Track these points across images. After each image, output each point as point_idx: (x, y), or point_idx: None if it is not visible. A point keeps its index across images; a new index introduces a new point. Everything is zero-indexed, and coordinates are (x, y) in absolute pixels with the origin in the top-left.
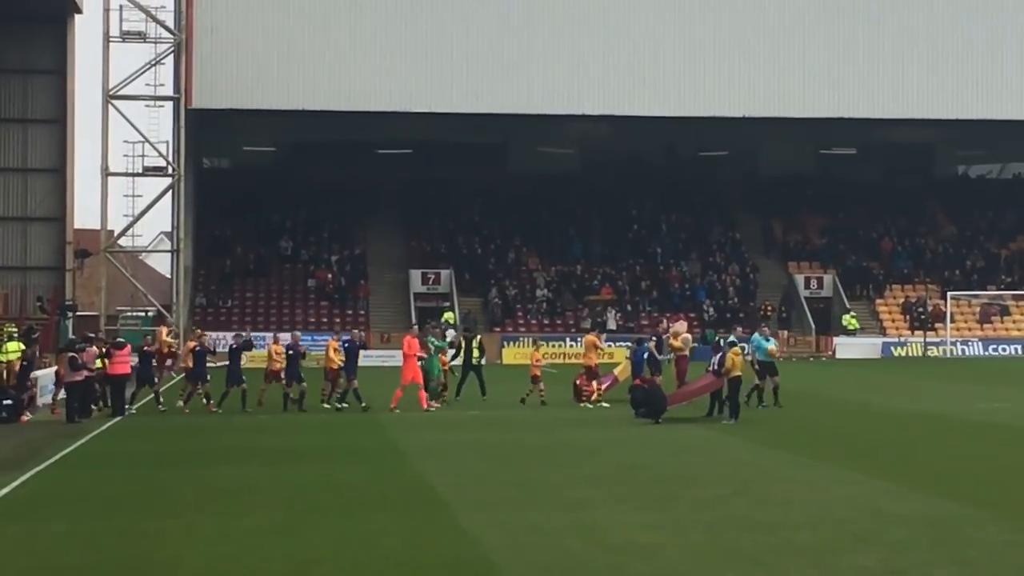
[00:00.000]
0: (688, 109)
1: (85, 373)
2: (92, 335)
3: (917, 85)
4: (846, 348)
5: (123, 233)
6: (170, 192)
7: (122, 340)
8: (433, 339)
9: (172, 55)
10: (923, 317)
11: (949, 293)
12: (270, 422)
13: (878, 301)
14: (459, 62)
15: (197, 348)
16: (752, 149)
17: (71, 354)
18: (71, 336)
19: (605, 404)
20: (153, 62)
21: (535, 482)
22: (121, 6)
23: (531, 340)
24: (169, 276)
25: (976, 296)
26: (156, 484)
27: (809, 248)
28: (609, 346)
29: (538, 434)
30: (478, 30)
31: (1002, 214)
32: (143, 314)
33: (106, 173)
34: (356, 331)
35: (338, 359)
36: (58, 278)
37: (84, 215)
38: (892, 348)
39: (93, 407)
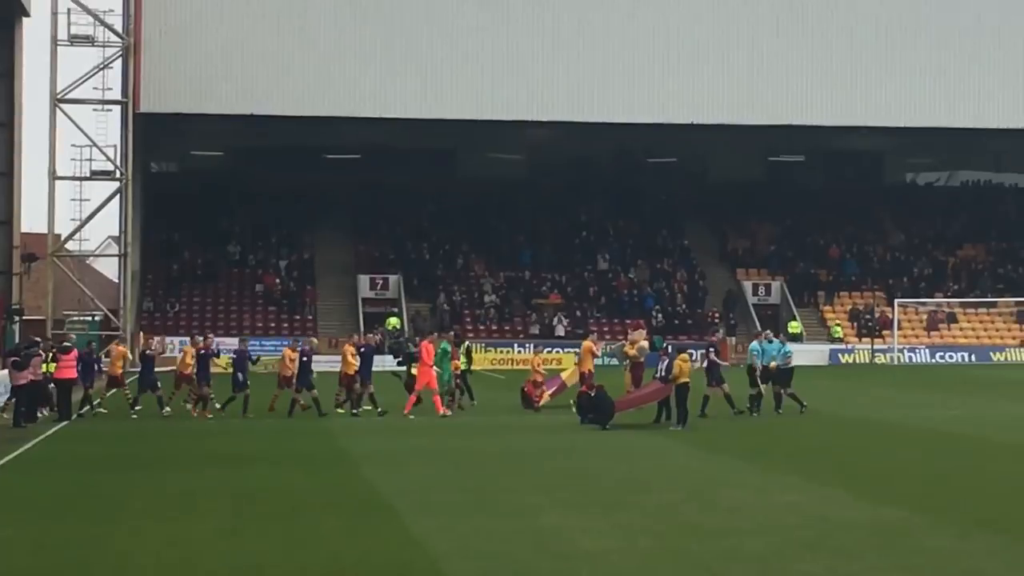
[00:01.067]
0: (637, 115)
1: (31, 376)
2: (38, 339)
3: (866, 93)
4: (793, 355)
5: (70, 237)
6: (118, 196)
7: (68, 344)
8: (446, 344)
9: (120, 59)
10: (870, 324)
11: (896, 300)
12: (219, 427)
13: (825, 308)
14: (408, 67)
15: (201, 352)
16: (701, 156)
17: (14, 358)
18: (16, 341)
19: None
20: (101, 66)
21: (483, 488)
22: (69, 9)
23: (532, 347)
24: (116, 280)
25: (923, 303)
26: (103, 489)
27: (757, 255)
28: (557, 352)
29: (487, 440)
30: (427, 35)
31: (950, 222)
32: (90, 318)
33: (53, 177)
34: (370, 335)
35: (355, 363)
36: (5, 282)
37: (31, 219)
38: (839, 355)
39: (43, 411)
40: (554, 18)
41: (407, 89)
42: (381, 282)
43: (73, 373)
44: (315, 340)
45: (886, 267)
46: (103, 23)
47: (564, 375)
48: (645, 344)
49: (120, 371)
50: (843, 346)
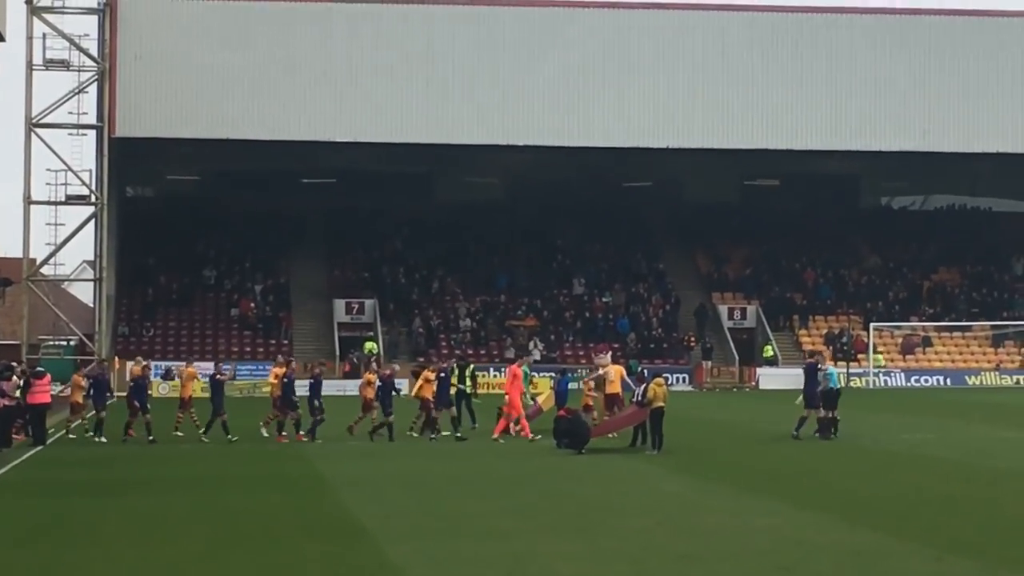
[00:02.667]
0: (612, 140)
1: (4, 402)
2: (14, 364)
3: (841, 117)
4: (769, 379)
5: (45, 262)
6: (93, 221)
7: (42, 369)
8: (526, 368)
9: (96, 83)
10: (846, 348)
11: (872, 324)
12: (195, 450)
13: (801, 332)
14: (384, 92)
15: (286, 377)
16: (676, 180)
17: None
18: None
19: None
20: (76, 90)
21: (459, 512)
22: (45, 34)
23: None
24: (92, 305)
25: (898, 327)
26: (77, 514)
27: (733, 279)
28: (534, 376)
29: (462, 464)
30: (403, 59)
31: (925, 246)
32: (65, 343)
33: (28, 201)
34: (393, 366)
35: (430, 389)
36: None
37: (6, 243)
38: None
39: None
40: (530, 43)
41: (383, 113)
42: (357, 306)
43: (47, 398)
44: (395, 366)
45: (861, 291)
46: (78, 48)
47: (540, 399)
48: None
49: (190, 394)
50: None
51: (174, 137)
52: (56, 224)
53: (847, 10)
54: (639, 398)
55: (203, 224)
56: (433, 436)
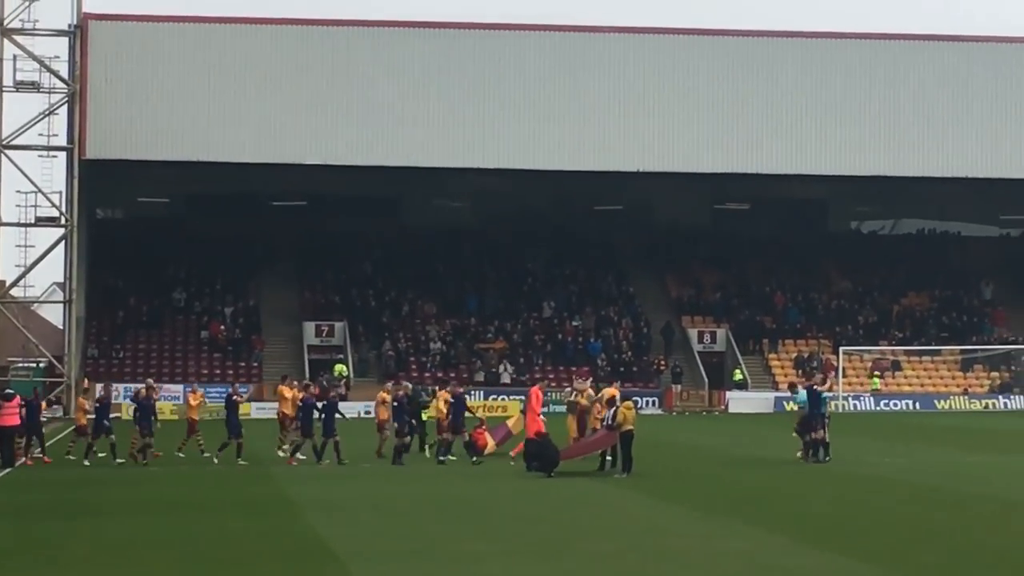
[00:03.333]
0: (582, 163)
1: None
2: None
3: (811, 141)
4: (739, 402)
5: (15, 283)
6: (63, 243)
7: (11, 392)
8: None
9: (66, 105)
10: (815, 372)
11: (841, 348)
12: (164, 473)
13: (771, 355)
14: (353, 114)
15: (304, 399)
16: (646, 203)
17: None
18: None
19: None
20: (47, 112)
21: (428, 535)
22: (15, 56)
23: (481, 394)
24: (61, 327)
25: (868, 351)
26: (46, 537)
27: (703, 302)
28: (503, 399)
29: (431, 487)
30: (372, 83)
31: (894, 270)
32: (35, 365)
33: None
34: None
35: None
36: None
37: None
38: (784, 402)
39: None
40: (498, 67)
41: (353, 137)
42: (327, 329)
43: (16, 420)
44: (407, 384)
45: (831, 315)
46: (49, 69)
47: (510, 422)
48: (592, 391)
49: (293, 413)
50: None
51: (144, 159)
52: (26, 246)
53: (818, 35)
54: (609, 421)
55: (173, 246)
56: (442, 459)
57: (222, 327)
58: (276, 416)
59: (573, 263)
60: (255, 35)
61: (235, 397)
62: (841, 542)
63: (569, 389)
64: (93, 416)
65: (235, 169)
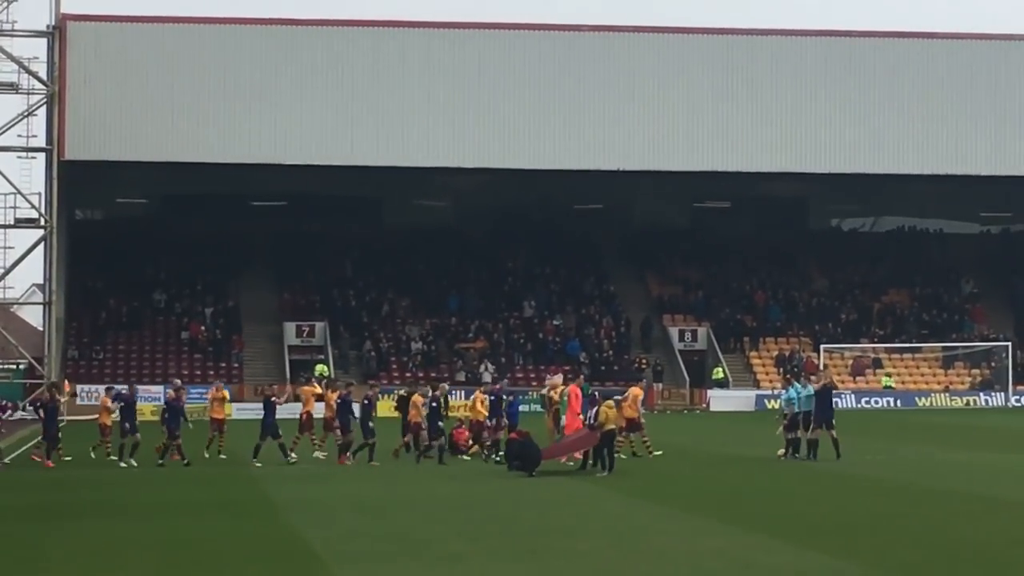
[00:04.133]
0: (562, 162)
1: None
2: None
3: (791, 139)
4: (720, 401)
5: None
6: (42, 244)
7: None
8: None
9: (45, 106)
10: (796, 370)
11: (822, 346)
12: (143, 475)
13: (752, 354)
14: (334, 114)
15: (340, 398)
16: (626, 202)
17: None
18: None
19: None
20: (25, 113)
21: (409, 536)
22: None
23: (463, 394)
24: (41, 328)
25: (848, 349)
26: (23, 540)
27: (683, 301)
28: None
29: (412, 487)
30: (353, 82)
31: (875, 267)
32: (15, 367)
33: None
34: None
35: (485, 411)
36: None
37: None
38: (765, 400)
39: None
40: (479, 66)
41: (333, 137)
42: (307, 329)
43: None
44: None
45: (812, 312)
46: (27, 70)
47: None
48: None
49: (333, 414)
50: (771, 391)
51: (124, 160)
52: (5, 247)
53: (797, 32)
54: (591, 421)
55: (153, 247)
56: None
57: (202, 328)
58: (300, 417)
59: (554, 262)
60: (234, 35)
61: (273, 398)
62: (821, 540)
63: (547, 388)
64: (117, 417)
65: (214, 169)
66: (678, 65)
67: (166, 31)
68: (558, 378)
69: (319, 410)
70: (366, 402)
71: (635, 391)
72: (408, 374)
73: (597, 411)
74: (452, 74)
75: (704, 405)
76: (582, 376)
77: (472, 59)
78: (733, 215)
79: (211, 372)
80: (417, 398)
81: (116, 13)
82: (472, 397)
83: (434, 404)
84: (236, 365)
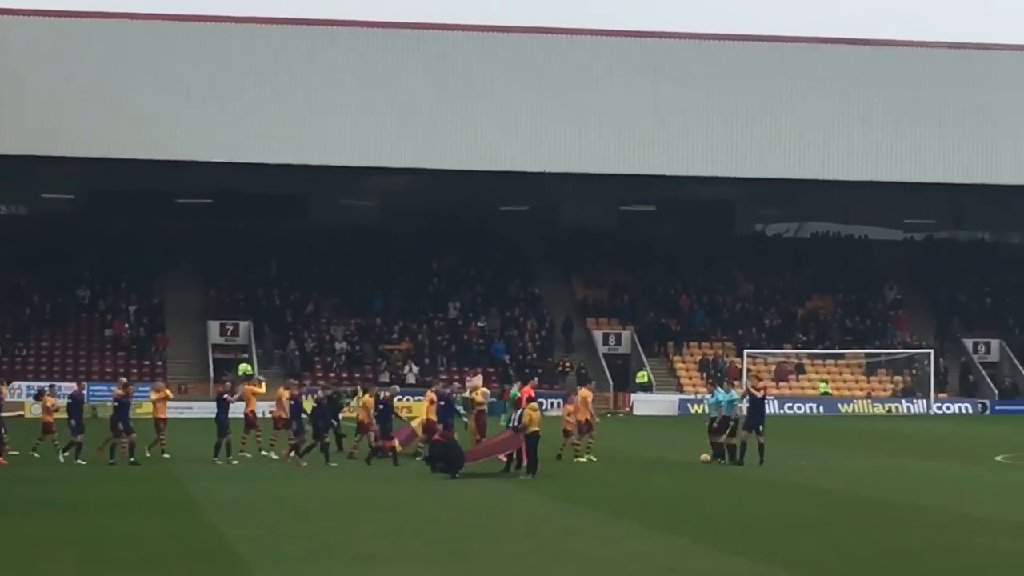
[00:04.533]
0: (489, 163)
1: None
2: None
3: (716, 143)
4: (644, 405)
5: None
6: None
7: None
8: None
9: None
10: (719, 375)
11: (745, 351)
12: (62, 472)
13: (675, 358)
14: (259, 111)
15: (318, 400)
16: (552, 205)
17: None
18: None
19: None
20: None
21: (332, 536)
22: None
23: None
24: None
25: (772, 354)
26: None
27: (608, 304)
28: (407, 400)
29: (335, 488)
30: (279, 79)
31: (799, 273)
32: None
33: None
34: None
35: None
36: None
37: None
38: (689, 405)
39: None
40: (407, 65)
41: (259, 134)
42: (231, 328)
43: None
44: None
45: (736, 317)
46: None
47: (414, 423)
48: (487, 390)
49: (368, 418)
50: (694, 396)
51: (49, 155)
52: None
53: (723, 37)
54: (514, 423)
55: (77, 243)
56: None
57: (126, 325)
58: (244, 416)
59: (480, 264)
60: (160, 31)
61: (225, 396)
62: (745, 545)
63: (468, 390)
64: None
65: (141, 165)
66: (605, 68)
67: (93, 26)
68: (478, 379)
69: (261, 409)
70: (316, 405)
71: (584, 392)
72: (332, 374)
73: (521, 414)
74: (379, 74)
75: (628, 409)
76: (535, 379)
77: (399, 59)
78: (659, 218)
79: (134, 370)
80: (368, 399)
81: (44, 8)
82: (424, 396)
83: (382, 407)
84: (160, 363)
